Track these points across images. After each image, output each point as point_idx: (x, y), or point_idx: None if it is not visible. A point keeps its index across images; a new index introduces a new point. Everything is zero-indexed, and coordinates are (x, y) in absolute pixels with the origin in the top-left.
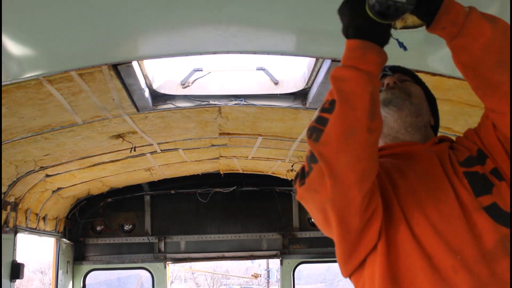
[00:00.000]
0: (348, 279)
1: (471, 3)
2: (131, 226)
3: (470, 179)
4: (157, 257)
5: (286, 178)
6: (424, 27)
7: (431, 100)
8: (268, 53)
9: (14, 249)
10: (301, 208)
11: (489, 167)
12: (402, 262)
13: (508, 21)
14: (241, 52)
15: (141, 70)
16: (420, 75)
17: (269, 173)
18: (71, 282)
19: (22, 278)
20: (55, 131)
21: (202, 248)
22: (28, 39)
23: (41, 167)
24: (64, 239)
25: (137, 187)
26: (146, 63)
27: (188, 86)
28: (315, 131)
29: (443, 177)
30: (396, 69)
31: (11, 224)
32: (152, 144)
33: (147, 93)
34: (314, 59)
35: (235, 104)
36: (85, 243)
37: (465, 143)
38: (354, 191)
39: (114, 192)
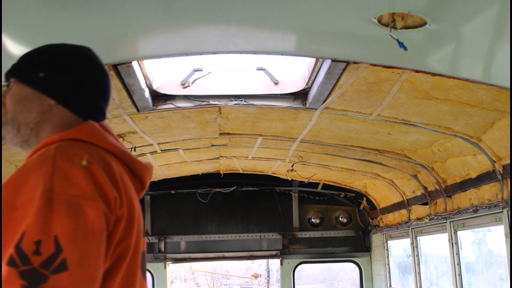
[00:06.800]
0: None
1: (471, 3)
2: None
3: None
4: (157, 257)
5: (286, 178)
6: (424, 27)
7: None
8: (268, 53)
9: None
10: (301, 208)
11: None
12: None
13: (508, 21)
14: (241, 52)
15: (141, 70)
16: (420, 75)
17: (269, 173)
18: None
19: None
20: None
21: (202, 248)
22: (28, 39)
23: None
24: None
25: None
26: (146, 63)
27: (188, 86)
28: None
29: None
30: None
31: None
32: (152, 144)
33: (147, 93)
34: (314, 59)
35: (235, 104)
36: None
37: None
38: None
39: None
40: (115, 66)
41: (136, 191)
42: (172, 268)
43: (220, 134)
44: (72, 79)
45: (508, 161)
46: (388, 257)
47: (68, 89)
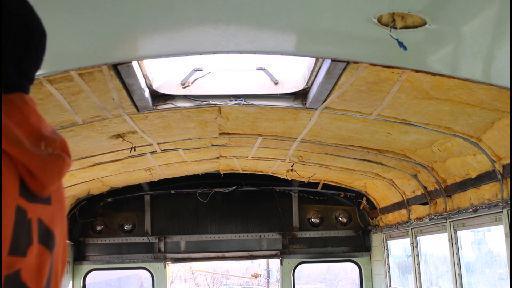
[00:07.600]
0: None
1: (471, 3)
2: (131, 226)
3: None
4: (157, 257)
5: (286, 178)
6: (424, 27)
7: None
8: (268, 53)
9: None
10: (301, 208)
11: None
12: None
13: (508, 21)
14: (241, 52)
15: (141, 70)
16: (420, 75)
17: (269, 173)
18: (71, 282)
19: None
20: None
21: (202, 248)
22: None
23: None
24: None
25: (137, 187)
26: (146, 63)
27: (188, 86)
28: None
29: None
30: None
31: None
32: (152, 144)
33: (147, 93)
34: (314, 59)
35: (235, 104)
36: (85, 243)
37: None
38: None
39: (114, 192)
40: (115, 66)
41: (35, 190)
42: (172, 268)
43: (220, 134)
44: None
45: (508, 161)
46: (388, 257)
47: None
